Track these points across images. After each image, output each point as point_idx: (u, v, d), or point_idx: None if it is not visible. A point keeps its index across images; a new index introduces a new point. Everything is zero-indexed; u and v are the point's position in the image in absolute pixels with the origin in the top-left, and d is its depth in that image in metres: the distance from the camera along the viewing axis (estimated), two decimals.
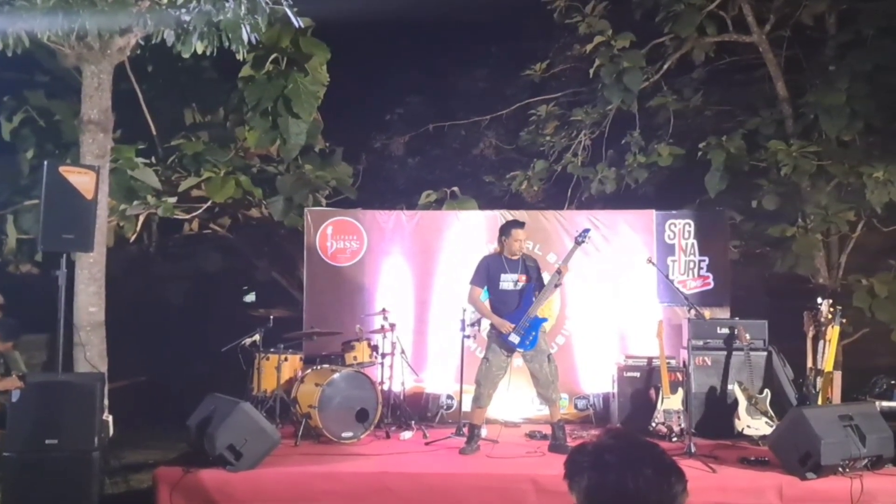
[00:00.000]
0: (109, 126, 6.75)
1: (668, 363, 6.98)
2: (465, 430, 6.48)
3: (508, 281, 6.31)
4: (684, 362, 6.93)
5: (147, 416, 7.63)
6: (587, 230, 6.58)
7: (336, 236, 8.09)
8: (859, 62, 8.07)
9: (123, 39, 6.58)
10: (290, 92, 7.48)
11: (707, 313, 7.25)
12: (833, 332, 6.55)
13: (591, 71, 9.09)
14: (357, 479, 5.50)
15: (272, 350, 6.99)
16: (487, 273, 6.38)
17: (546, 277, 6.51)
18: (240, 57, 6.34)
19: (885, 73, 7.99)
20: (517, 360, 6.48)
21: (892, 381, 7.00)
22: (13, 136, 8.42)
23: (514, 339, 6.18)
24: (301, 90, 7.51)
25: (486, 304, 6.45)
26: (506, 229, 6.41)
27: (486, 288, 6.45)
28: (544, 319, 6.43)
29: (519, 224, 6.49)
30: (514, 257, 6.35)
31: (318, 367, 6.93)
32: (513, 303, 6.27)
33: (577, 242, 6.43)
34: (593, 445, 1.86)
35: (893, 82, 7.97)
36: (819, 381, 6.52)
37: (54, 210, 5.74)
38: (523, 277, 6.32)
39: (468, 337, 7.10)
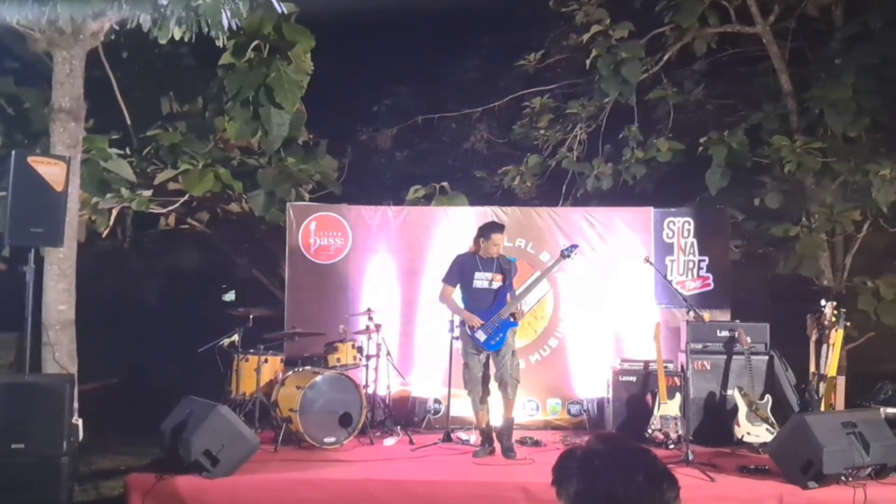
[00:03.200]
0: (81, 115, 6.71)
1: (666, 367, 7.01)
2: (477, 434, 6.65)
3: (482, 280, 6.46)
4: (682, 366, 6.96)
5: (119, 420, 7.59)
6: (575, 245, 6.80)
7: (319, 233, 8.08)
8: (866, 55, 8.11)
9: (97, 24, 6.53)
10: (272, 81, 7.45)
11: (706, 315, 7.28)
12: (837, 336, 6.58)
13: (588, 62, 9.10)
14: (340, 487, 5.50)
15: (252, 351, 6.99)
16: (461, 271, 6.54)
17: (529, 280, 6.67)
18: (220, 43, 6.30)
19: (892, 68, 8.04)
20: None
21: None
22: None
23: (481, 336, 6.32)
24: (284, 79, 7.48)
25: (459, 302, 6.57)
26: (485, 231, 6.55)
27: (459, 286, 6.57)
28: (515, 324, 6.50)
29: (499, 227, 6.64)
30: (489, 257, 6.46)
31: (300, 370, 6.92)
32: (486, 302, 6.43)
33: (563, 255, 6.63)
34: (582, 450, 1.86)
35: None
36: (822, 386, 6.56)
37: (22, 202, 5.70)
38: (498, 277, 6.47)
39: (457, 339, 7.09)
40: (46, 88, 7.00)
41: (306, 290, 8.02)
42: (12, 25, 6.22)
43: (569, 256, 6.64)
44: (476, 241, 6.58)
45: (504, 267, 6.51)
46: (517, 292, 6.59)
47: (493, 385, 6.48)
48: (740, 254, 9.16)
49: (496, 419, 6.61)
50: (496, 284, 6.45)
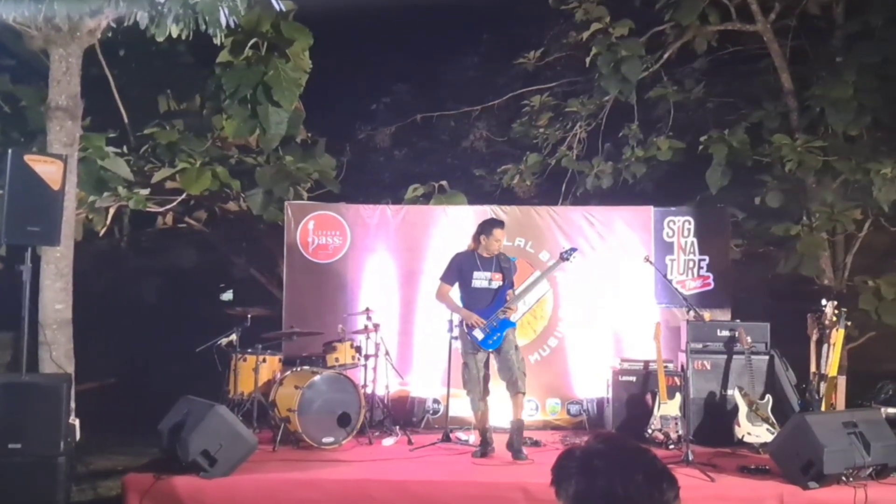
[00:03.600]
0: (78, 113, 6.71)
1: (666, 367, 7.01)
2: (476, 435, 6.63)
3: (482, 279, 6.45)
4: (682, 366, 6.97)
5: (116, 420, 7.60)
6: (574, 248, 6.80)
7: (318, 231, 8.08)
8: (867, 54, 8.13)
9: (94, 21, 6.53)
10: (270, 79, 7.45)
11: (707, 315, 7.29)
12: (837, 336, 6.58)
13: (588, 60, 9.10)
14: (338, 487, 5.50)
15: (250, 351, 6.98)
16: (460, 270, 6.53)
17: (529, 280, 6.66)
18: (217, 41, 6.31)
19: (893, 66, 8.05)
20: (494, 360, 6.53)
21: None
22: None
23: (479, 335, 6.32)
24: (282, 77, 7.49)
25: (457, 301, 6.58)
26: (486, 227, 6.53)
27: (458, 285, 6.58)
28: (513, 324, 6.53)
29: (500, 223, 6.64)
30: (489, 255, 6.46)
31: (298, 369, 6.92)
32: (485, 301, 6.42)
33: (562, 258, 6.64)
34: (582, 450, 1.87)
35: None
36: (822, 386, 6.56)
37: (19, 201, 5.70)
38: (498, 276, 6.45)
39: (456, 338, 7.09)
40: (43, 86, 7.00)
41: (304, 290, 8.03)
42: (9, 23, 6.22)
43: (568, 259, 6.65)
44: (476, 238, 6.56)
45: (503, 265, 6.50)
46: (516, 292, 6.60)
47: (493, 385, 6.49)
48: (741, 253, 9.16)
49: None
50: (495, 284, 6.45)
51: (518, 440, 6.34)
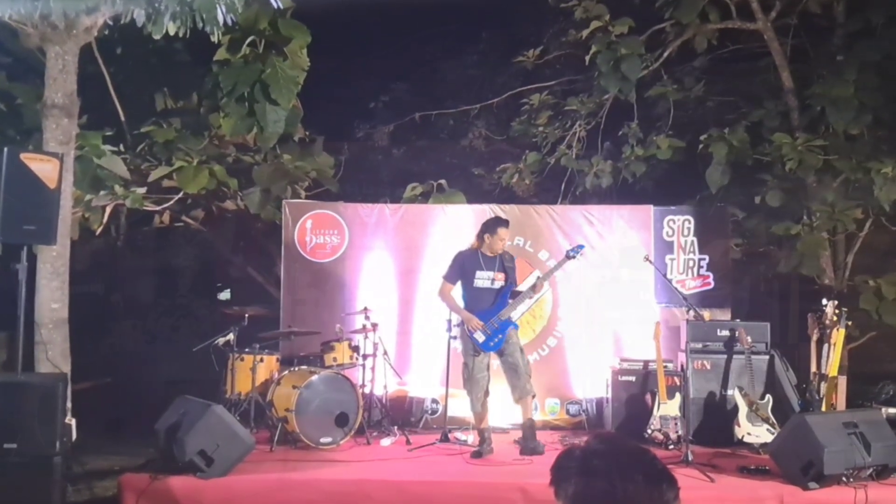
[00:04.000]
0: (75, 111, 6.70)
1: (666, 367, 7.01)
2: (476, 435, 6.63)
3: (484, 278, 6.46)
4: (682, 366, 6.97)
5: (113, 420, 7.61)
6: (581, 246, 6.88)
7: (316, 230, 8.08)
8: (868, 52, 8.12)
9: (90, 19, 6.52)
10: (267, 77, 7.44)
11: (707, 315, 7.30)
12: (838, 336, 6.58)
13: (588, 58, 9.09)
14: (336, 487, 5.50)
15: (247, 350, 6.97)
16: (462, 269, 6.53)
17: (531, 280, 6.63)
18: (214, 39, 6.31)
19: (894, 64, 8.04)
20: (495, 361, 6.55)
21: None
22: None
23: (480, 337, 6.34)
24: (280, 75, 7.47)
25: (459, 300, 6.58)
26: (491, 226, 6.53)
27: (460, 284, 6.58)
28: (515, 324, 6.54)
29: (504, 222, 6.65)
30: (492, 255, 6.44)
31: (296, 369, 6.92)
32: (487, 301, 6.43)
33: (568, 256, 6.68)
34: (581, 450, 1.86)
35: None
36: (823, 386, 6.56)
37: (15, 199, 5.69)
38: (500, 276, 6.47)
39: (454, 338, 7.09)
40: (39, 84, 6.98)
41: (302, 289, 8.03)
42: (5, 20, 6.21)
43: (574, 257, 6.66)
44: (480, 237, 6.56)
45: (507, 265, 6.50)
46: (519, 289, 6.57)
47: (493, 385, 6.48)
48: (741, 252, 9.16)
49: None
50: (498, 284, 6.44)
51: (531, 436, 6.37)
